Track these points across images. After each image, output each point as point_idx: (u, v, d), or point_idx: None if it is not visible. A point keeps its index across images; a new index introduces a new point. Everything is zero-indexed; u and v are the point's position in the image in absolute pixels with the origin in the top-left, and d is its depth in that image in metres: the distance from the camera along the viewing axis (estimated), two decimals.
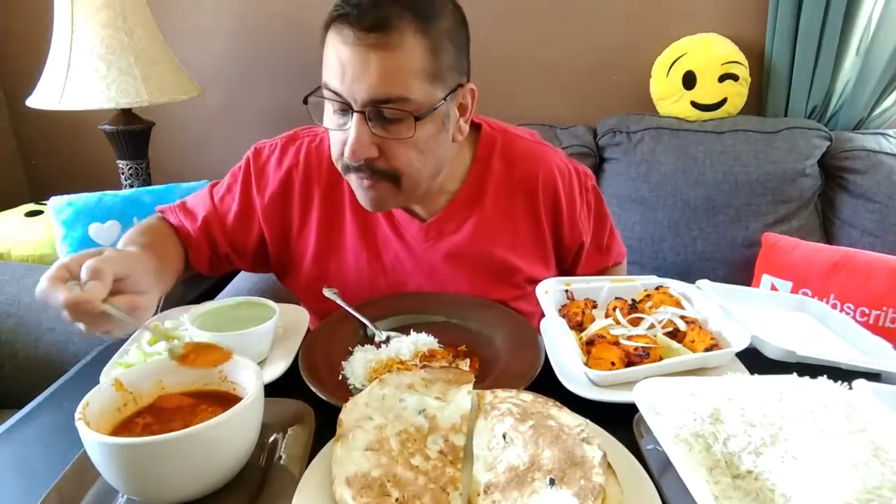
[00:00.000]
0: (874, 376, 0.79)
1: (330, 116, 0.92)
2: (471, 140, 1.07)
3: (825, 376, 0.69)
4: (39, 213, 1.95)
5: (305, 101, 0.91)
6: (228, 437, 0.62)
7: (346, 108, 0.88)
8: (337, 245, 1.08)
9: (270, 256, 1.12)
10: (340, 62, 0.85)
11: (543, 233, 1.10)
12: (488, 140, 1.08)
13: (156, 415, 0.68)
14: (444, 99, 0.90)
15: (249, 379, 0.68)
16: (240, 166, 1.10)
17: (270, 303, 0.93)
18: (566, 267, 1.18)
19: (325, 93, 0.89)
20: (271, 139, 1.11)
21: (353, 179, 0.95)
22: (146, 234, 1.01)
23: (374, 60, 0.83)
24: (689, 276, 1.08)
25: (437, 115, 0.90)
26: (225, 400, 0.68)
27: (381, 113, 0.87)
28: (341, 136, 0.90)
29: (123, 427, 0.66)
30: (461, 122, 0.98)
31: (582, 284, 1.00)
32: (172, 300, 1.50)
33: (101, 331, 0.72)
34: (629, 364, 0.81)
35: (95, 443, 0.58)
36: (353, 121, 0.87)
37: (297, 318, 0.98)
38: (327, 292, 1.04)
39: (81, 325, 0.71)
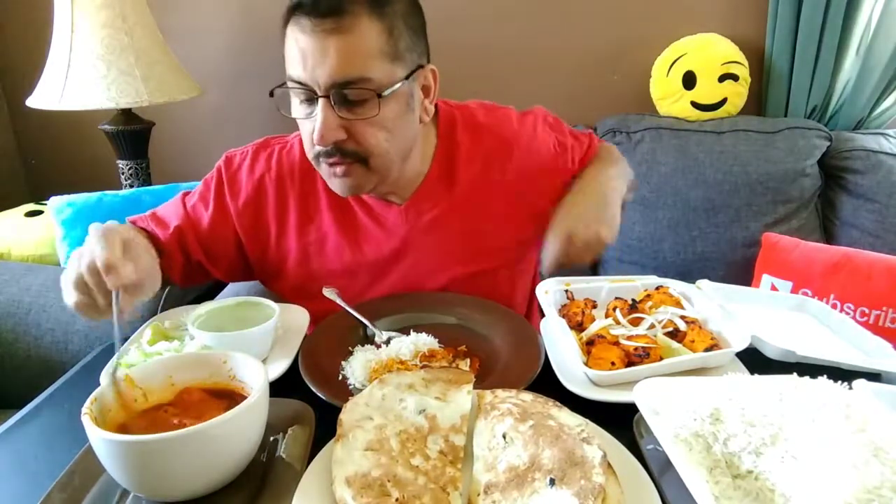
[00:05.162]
0: (874, 376, 0.79)
1: (297, 108, 0.94)
2: (432, 120, 1.08)
3: (825, 376, 0.69)
4: (39, 213, 1.95)
5: (272, 94, 0.94)
6: (234, 435, 0.62)
7: (311, 97, 0.90)
8: (318, 245, 1.09)
9: (251, 263, 1.13)
10: (301, 51, 0.88)
11: (522, 192, 1.11)
12: (448, 116, 1.10)
13: (182, 409, 0.69)
14: (406, 78, 0.93)
15: (255, 377, 0.68)
16: (212, 175, 1.11)
17: (270, 303, 0.93)
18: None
19: (290, 84, 0.91)
20: (242, 147, 1.13)
21: (324, 169, 0.97)
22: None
23: (331, 45, 0.86)
24: (689, 276, 1.08)
25: (400, 94, 0.93)
26: (232, 397, 0.69)
27: (344, 96, 0.89)
28: (310, 125, 0.92)
29: (151, 420, 0.67)
30: (426, 102, 1.00)
31: (582, 284, 1.00)
32: (172, 300, 1.51)
33: (82, 306, 0.77)
34: (629, 364, 0.81)
35: (101, 440, 0.59)
36: (319, 106, 0.89)
37: (297, 318, 0.98)
38: (327, 292, 1.04)
39: (72, 289, 0.75)
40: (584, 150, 1.21)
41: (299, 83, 0.89)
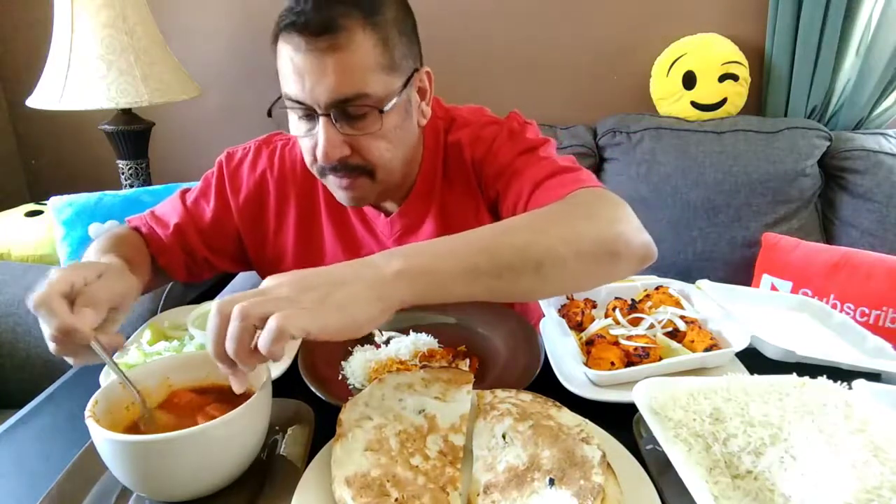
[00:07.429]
0: (874, 376, 0.79)
1: (296, 124, 0.93)
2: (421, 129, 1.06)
3: (825, 376, 0.69)
4: (39, 213, 1.96)
5: (269, 114, 0.92)
6: (237, 435, 0.62)
7: (311, 114, 0.89)
8: (315, 245, 1.09)
9: (250, 258, 1.14)
10: (297, 70, 0.86)
11: (492, 205, 1.04)
12: (432, 125, 1.06)
13: (171, 410, 0.68)
14: (404, 87, 0.91)
15: (256, 377, 0.68)
16: (212, 171, 1.11)
17: None
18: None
19: (288, 103, 0.90)
20: (244, 143, 1.13)
21: (330, 181, 0.96)
22: (120, 245, 1.00)
23: (329, 63, 0.84)
24: (689, 276, 1.08)
25: (399, 104, 0.91)
26: (220, 392, 0.69)
27: (346, 112, 0.88)
28: (310, 141, 0.91)
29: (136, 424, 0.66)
30: (423, 105, 0.98)
31: None
32: (172, 300, 1.51)
33: (69, 357, 0.70)
34: (629, 364, 0.81)
35: (105, 441, 0.58)
36: (321, 124, 0.87)
37: None
38: None
39: (53, 345, 0.69)
40: (536, 178, 0.92)
41: (298, 102, 0.88)
